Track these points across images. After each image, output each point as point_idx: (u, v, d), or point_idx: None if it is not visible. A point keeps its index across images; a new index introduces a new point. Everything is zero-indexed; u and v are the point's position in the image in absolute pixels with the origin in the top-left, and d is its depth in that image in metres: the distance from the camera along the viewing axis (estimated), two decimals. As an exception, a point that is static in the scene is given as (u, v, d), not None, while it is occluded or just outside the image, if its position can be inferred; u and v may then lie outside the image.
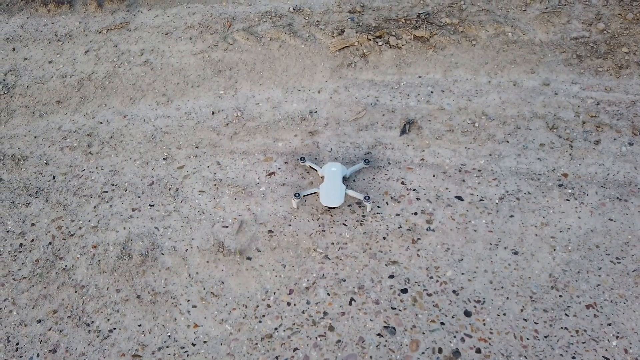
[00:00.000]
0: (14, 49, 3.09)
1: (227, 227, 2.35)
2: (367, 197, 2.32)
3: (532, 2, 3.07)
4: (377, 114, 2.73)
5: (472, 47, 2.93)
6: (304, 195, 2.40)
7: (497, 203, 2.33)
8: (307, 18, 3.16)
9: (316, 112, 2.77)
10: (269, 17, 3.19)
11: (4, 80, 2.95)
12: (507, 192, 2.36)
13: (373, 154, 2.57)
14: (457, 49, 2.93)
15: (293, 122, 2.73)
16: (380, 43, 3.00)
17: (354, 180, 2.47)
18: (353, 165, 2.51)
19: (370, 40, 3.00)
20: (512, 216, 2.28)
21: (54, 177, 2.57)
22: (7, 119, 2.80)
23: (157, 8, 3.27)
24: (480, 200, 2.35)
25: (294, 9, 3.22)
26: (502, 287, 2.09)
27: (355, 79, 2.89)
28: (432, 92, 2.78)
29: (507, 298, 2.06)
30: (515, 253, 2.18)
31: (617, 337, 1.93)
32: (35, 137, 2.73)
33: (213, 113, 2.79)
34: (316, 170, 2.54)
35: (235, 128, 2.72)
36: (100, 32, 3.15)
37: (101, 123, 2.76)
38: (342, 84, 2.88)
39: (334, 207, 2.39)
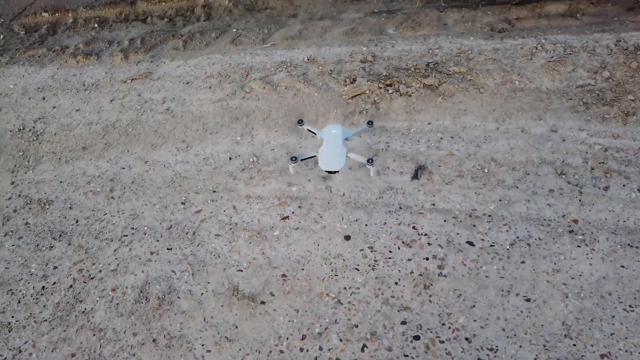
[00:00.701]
0: (44, 98, 3.28)
1: (241, 270, 2.41)
2: (370, 160, 2.21)
3: (537, 51, 3.18)
4: (388, 159, 2.81)
5: (480, 94, 3.02)
6: (301, 160, 2.31)
7: (507, 249, 2.36)
8: (320, 67, 3.31)
9: (329, 157, 2.85)
10: (285, 66, 3.34)
11: (34, 127, 3.12)
12: (518, 237, 2.39)
13: (384, 198, 2.63)
14: (466, 96, 3.03)
15: (307, 167, 2.82)
16: (390, 91, 3.11)
17: (366, 226, 2.52)
18: (355, 129, 2.38)
19: (381, 88, 3.12)
20: (523, 262, 2.30)
21: (77, 221, 2.68)
22: (35, 165, 2.94)
23: (179, 59, 3.45)
24: (491, 245, 2.38)
25: (308, 59, 3.37)
26: (515, 335, 2.09)
27: (367, 126, 2.99)
28: (441, 138, 2.86)
29: (520, 346, 2.05)
30: (528, 300, 2.19)
31: (633, 388, 1.91)
32: (61, 182, 2.85)
33: (230, 158, 2.90)
34: (315, 134, 2.45)
35: (251, 173, 2.82)
36: (125, 82, 3.33)
37: (123, 168, 2.89)
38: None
39: (334, 172, 2.23)
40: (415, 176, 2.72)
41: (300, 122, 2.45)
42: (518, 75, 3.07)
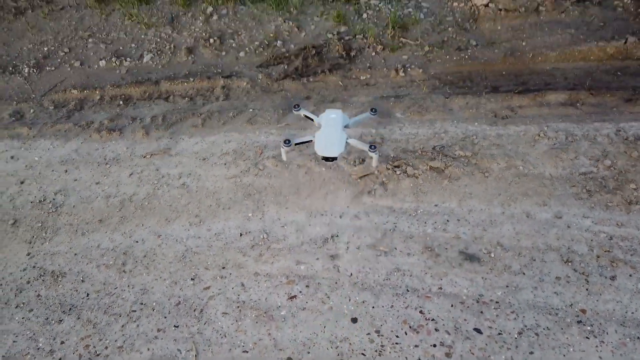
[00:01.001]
0: (66, 171, 3.43)
1: (247, 352, 2.40)
2: (372, 146, 2.03)
3: (540, 138, 3.31)
4: (395, 240, 2.86)
5: (485, 178, 3.12)
6: (296, 144, 2.10)
7: (516, 338, 2.34)
8: (331, 147, 3.45)
9: (337, 236, 2.92)
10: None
11: (54, 199, 3.24)
12: (526, 326, 2.38)
13: (392, 280, 2.65)
14: (471, 179, 3.13)
15: (315, 245, 2.88)
16: (398, 172, 3.22)
17: (373, 308, 2.53)
18: (358, 115, 2.12)
19: (389, 169, 3.24)
20: (532, 353, 2.28)
21: (87, 295, 2.72)
22: (52, 236, 3.03)
23: (197, 136, 3.63)
24: (499, 334, 2.37)
25: (319, 139, 3.53)
26: None
27: (375, 205, 3.07)
28: (448, 221, 2.93)
29: None
30: (537, 394, 2.14)
31: None
32: (76, 254, 2.93)
33: (241, 235, 2.97)
34: (312, 120, 2.25)
35: (261, 250, 2.88)
36: (144, 157, 3.49)
37: (137, 242, 2.96)
38: (362, 209, 3.05)
39: (332, 159, 2.01)
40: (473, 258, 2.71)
41: (297, 106, 2.33)
42: (522, 160, 3.18)
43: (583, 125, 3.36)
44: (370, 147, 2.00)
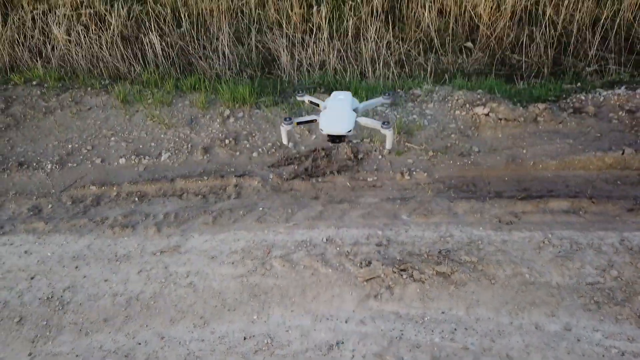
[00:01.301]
0: (76, 267, 3.49)
1: None
2: (386, 123, 1.72)
3: (545, 245, 3.35)
4: (402, 349, 2.80)
5: (491, 285, 3.12)
6: (298, 123, 1.84)
7: None
8: (338, 248, 3.50)
9: (342, 343, 2.87)
10: (304, 246, 3.55)
11: (62, 296, 3.27)
12: None
13: (398, 393, 2.56)
14: (478, 286, 3.12)
15: (320, 352, 2.82)
16: (404, 276, 3.24)
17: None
18: (369, 99, 1.81)
19: (395, 272, 3.25)
20: None
21: (84, 401, 2.65)
22: (55, 336, 3.01)
23: (207, 234, 3.72)
24: None
25: (327, 240, 3.59)
26: None
27: (381, 310, 3.05)
28: (455, 329, 2.88)
29: None
30: None
31: None
32: (77, 355, 2.89)
33: (244, 338, 2.93)
34: (318, 105, 2.02)
35: (264, 356, 2.82)
36: (154, 254, 3.55)
37: (140, 344, 2.93)
38: (368, 314, 3.03)
39: (340, 139, 1.79)
40: None
41: (300, 92, 2.13)
42: (528, 268, 3.19)
43: (587, 234, 3.41)
44: (383, 123, 1.82)
